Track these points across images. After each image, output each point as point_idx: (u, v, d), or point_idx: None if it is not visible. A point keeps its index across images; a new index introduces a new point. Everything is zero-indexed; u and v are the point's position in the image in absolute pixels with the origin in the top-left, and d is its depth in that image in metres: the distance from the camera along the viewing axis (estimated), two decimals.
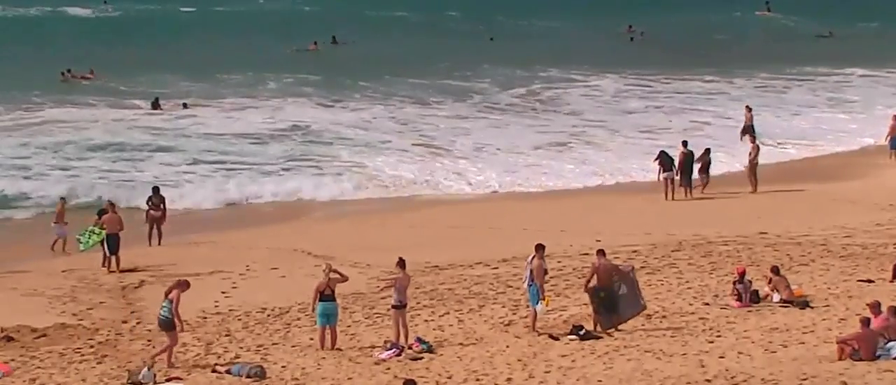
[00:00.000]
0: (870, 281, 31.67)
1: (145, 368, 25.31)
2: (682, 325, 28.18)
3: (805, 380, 24.03)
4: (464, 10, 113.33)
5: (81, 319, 30.30)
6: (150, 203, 39.25)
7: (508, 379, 24.89)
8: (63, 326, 29.59)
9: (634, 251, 35.83)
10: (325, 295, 27.31)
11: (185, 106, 63.20)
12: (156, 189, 40.18)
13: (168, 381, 25.28)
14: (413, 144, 55.28)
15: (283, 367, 26.04)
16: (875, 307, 26.34)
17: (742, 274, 30.04)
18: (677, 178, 44.70)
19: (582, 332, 27.46)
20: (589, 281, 28.46)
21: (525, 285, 28.53)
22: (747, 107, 56.24)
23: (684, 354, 25.96)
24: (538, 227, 38.99)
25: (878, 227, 38.84)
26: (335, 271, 27.84)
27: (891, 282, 31.27)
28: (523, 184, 49.12)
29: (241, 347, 27.61)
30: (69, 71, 72.11)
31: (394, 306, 27.41)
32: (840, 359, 25.10)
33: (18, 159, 51.04)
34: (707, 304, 29.97)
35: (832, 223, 39.06)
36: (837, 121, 63.02)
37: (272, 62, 78.40)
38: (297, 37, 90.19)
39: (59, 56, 76.87)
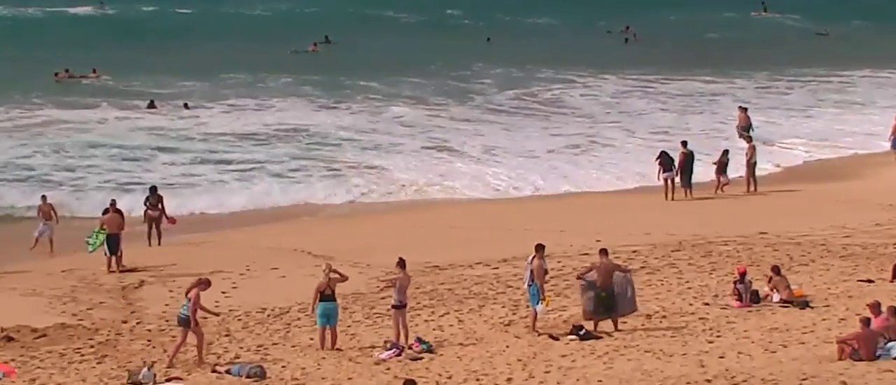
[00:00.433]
0: (870, 281, 31.66)
1: (145, 368, 25.31)
2: (682, 325, 28.18)
3: (805, 380, 24.03)
4: (463, 9, 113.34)
5: (81, 319, 30.30)
6: (147, 203, 39.24)
7: (508, 379, 24.89)
8: (63, 326, 29.59)
9: (634, 251, 35.83)
10: (326, 295, 27.31)
11: (186, 106, 63.25)
12: (153, 189, 40.17)
13: (168, 381, 25.28)
14: (423, 147, 54.85)
15: (283, 367, 26.04)
16: (875, 307, 26.34)
17: (743, 274, 30.04)
18: (677, 178, 44.71)
19: (582, 332, 27.47)
20: (584, 273, 28.57)
21: (525, 285, 28.52)
22: (741, 107, 56.10)
23: (684, 354, 25.97)
24: (539, 227, 39.00)
25: (878, 227, 38.85)
26: (335, 271, 27.84)
27: (891, 282, 31.27)
28: (544, 187, 48.27)
29: (241, 347, 27.62)
30: (67, 71, 72.11)
31: (394, 306, 27.42)
32: (840, 359, 25.10)
33: (19, 159, 51.05)
34: (707, 304, 29.97)
35: (832, 223, 39.06)
36: (849, 122, 62.38)
37: (271, 63, 78.41)
38: (295, 38, 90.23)
39: (59, 56, 76.80)
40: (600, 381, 24.59)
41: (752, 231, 38.25)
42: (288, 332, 28.85)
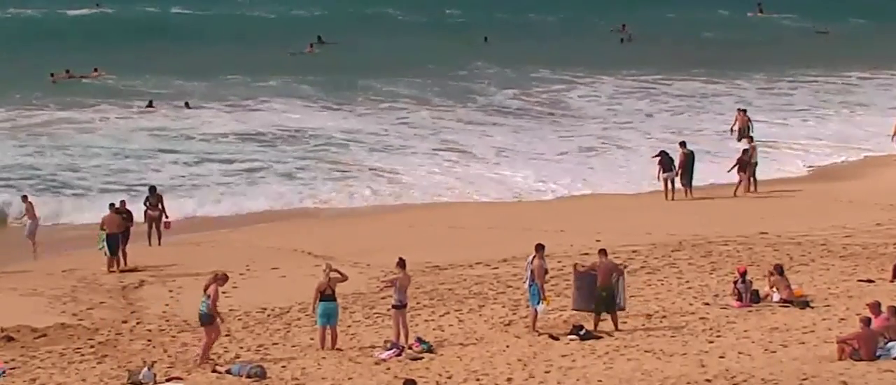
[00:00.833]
0: (870, 281, 31.67)
1: (145, 368, 25.31)
2: (682, 325, 28.18)
3: (805, 380, 24.04)
4: (461, 8, 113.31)
5: (81, 319, 30.31)
6: (147, 203, 39.25)
7: (508, 379, 24.89)
8: (63, 326, 29.59)
9: (634, 251, 35.83)
10: (326, 295, 27.30)
11: (187, 105, 63.26)
12: (152, 189, 40.20)
13: (168, 381, 25.28)
14: (435, 149, 54.51)
15: (283, 367, 26.03)
16: (875, 307, 26.34)
17: (743, 274, 30.04)
18: (678, 178, 44.71)
19: (582, 332, 27.47)
20: (582, 267, 28.70)
21: (525, 285, 28.53)
22: (741, 109, 55.91)
23: (684, 354, 25.97)
24: (538, 227, 39.01)
25: (878, 227, 38.85)
26: (335, 271, 27.84)
27: (891, 282, 31.28)
28: (562, 192, 47.53)
29: (241, 347, 27.61)
30: (68, 71, 72.07)
31: (394, 306, 27.42)
32: (840, 359, 25.11)
33: (19, 160, 51.04)
34: (707, 304, 29.97)
35: (832, 223, 39.05)
36: (854, 124, 61.90)
37: (271, 64, 78.25)
38: (295, 39, 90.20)
39: (59, 57, 76.73)
40: (600, 381, 24.60)
41: (753, 231, 38.24)
42: (288, 331, 28.85)
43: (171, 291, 32.83)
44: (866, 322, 25.53)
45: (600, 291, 28.05)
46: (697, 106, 66.67)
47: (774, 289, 30.06)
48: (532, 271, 28.13)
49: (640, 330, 27.99)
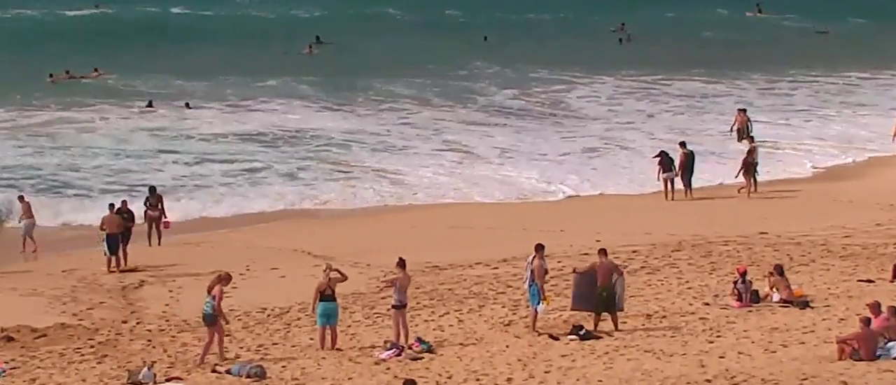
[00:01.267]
0: (870, 281, 31.67)
1: (145, 368, 25.32)
2: (682, 325, 28.18)
3: (805, 380, 24.04)
4: (460, 8, 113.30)
5: (81, 319, 30.32)
6: (147, 203, 39.26)
7: (508, 379, 24.89)
8: (63, 326, 29.60)
9: (634, 251, 35.84)
10: (326, 295, 27.30)
11: (187, 106, 63.27)
12: (152, 189, 40.21)
13: (168, 381, 25.28)
14: (437, 149, 54.42)
15: (283, 367, 26.04)
16: (875, 307, 26.35)
17: (743, 274, 30.04)
18: (678, 178, 44.72)
19: (582, 332, 27.48)
20: (582, 269, 28.71)
21: (525, 285, 28.53)
22: (740, 109, 55.90)
23: (684, 354, 25.97)
24: (538, 227, 39.01)
25: (878, 227, 38.85)
26: (335, 271, 27.84)
27: (891, 282, 31.28)
28: (570, 193, 47.27)
29: (241, 347, 27.62)
30: (68, 72, 72.07)
31: (394, 306, 27.42)
32: (840, 359, 25.11)
33: (20, 159, 51.04)
34: (707, 304, 29.97)
35: (832, 223, 39.06)
36: (856, 125, 61.66)
37: (270, 64, 78.29)
38: (295, 39, 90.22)
39: (59, 57, 76.75)
40: (600, 381, 24.60)
41: (752, 231, 38.25)
42: (288, 332, 28.85)
43: (171, 291, 32.84)
44: (866, 322, 25.54)
45: (600, 291, 28.04)
46: (698, 106, 66.56)
47: (774, 289, 30.07)
48: (532, 271, 28.13)
49: (639, 330, 27.99)
